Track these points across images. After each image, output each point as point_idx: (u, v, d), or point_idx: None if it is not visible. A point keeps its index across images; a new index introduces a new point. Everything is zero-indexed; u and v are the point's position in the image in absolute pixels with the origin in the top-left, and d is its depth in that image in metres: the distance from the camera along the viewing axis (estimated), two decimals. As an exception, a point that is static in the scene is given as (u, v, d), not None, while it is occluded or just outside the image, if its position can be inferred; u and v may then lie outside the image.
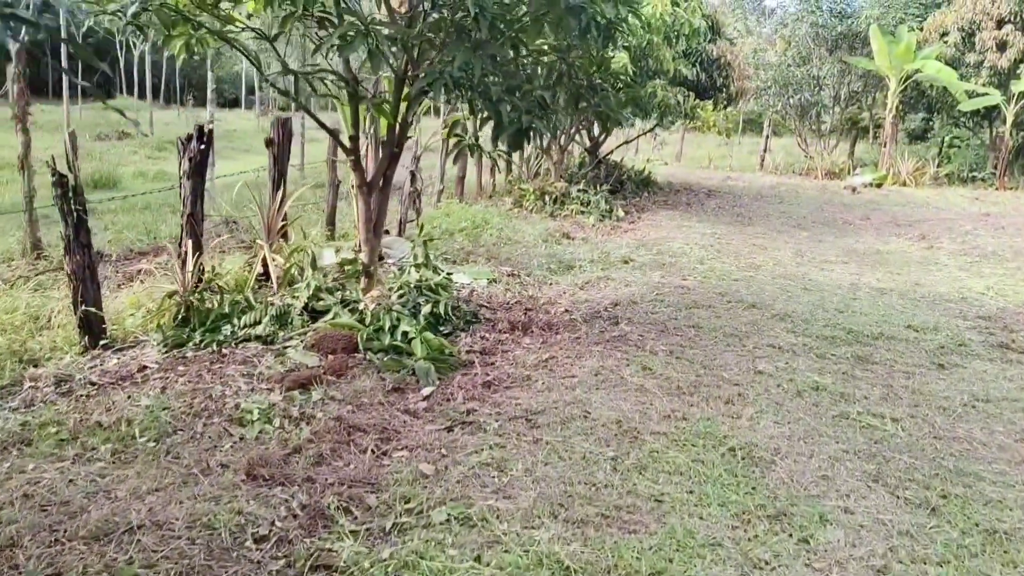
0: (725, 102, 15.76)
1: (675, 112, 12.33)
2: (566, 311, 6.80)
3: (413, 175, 8.52)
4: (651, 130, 15.81)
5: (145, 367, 5.21)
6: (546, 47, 5.77)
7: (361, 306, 5.74)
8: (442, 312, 5.91)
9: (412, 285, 6.21)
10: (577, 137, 16.43)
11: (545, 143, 13.28)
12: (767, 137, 24.42)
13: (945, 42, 20.93)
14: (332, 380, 4.88)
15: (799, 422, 4.52)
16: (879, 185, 19.85)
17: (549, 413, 4.48)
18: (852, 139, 24.53)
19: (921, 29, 21.37)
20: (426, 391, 4.83)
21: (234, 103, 40.92)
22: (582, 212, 12.52)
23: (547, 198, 12.75)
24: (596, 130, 16.41)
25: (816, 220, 13.43)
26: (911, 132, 32.00)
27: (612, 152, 16.56)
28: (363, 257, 6.05)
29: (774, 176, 21.88)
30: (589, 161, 16.13)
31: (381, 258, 7.87)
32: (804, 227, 12.59)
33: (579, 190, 12.98)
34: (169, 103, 37.91)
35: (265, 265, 6.85)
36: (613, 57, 10.52)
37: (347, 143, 5.91)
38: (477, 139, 5.66)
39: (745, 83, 15.73)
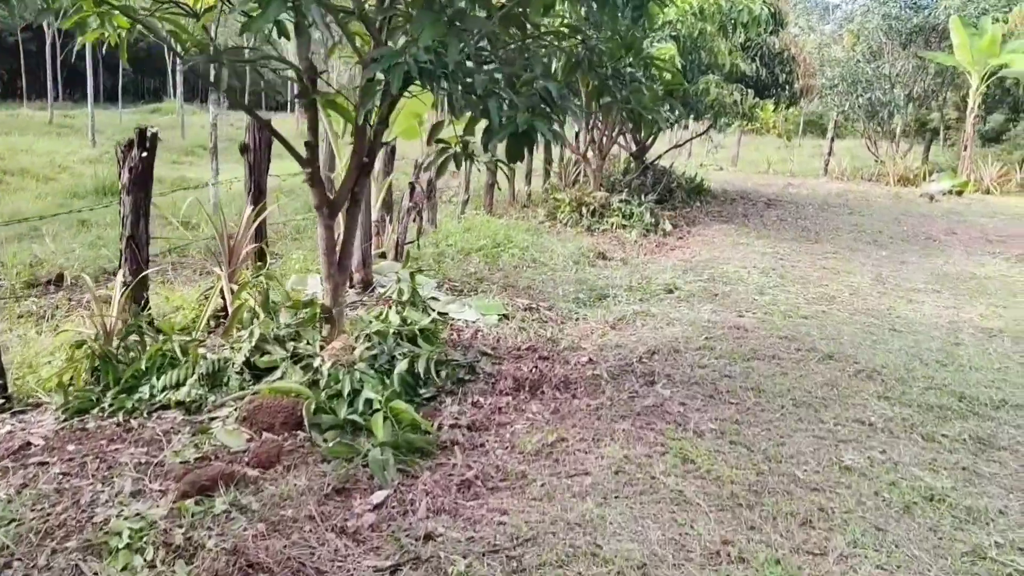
0: (788, 101, 14.14)
1: (731, 112, 10.81)
2: (590, 361, 5.40)
3: (413, 187, 7.19)
4: (704, 132, 14.26)
5: (29, 444, 4.01)
6: (562, 27, 4.39)
7: (317, 362, 4.44)
8: (422, 370, 4.56)
9: (391, 331, 4.89)
10: (622, 140, 15.00)
11: (581, 145, 11.87)
12: (831, 139, 22.56)
13: (1035, 34, 18.87)
14: (255, 476, 3.58)
15: (914, 565, 3.06)
16: (960, 193, 17.92)
17: (542, 544, 3.10)
18: (926, 142, 22.51)
19: (1006, 21, 19.33)
20: (378, 496, 3.49)
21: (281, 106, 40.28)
22: (624, 226, 11.07)
23: (584, 210, 11.33)
24: (643, 132, 14.93)
25: (894, 235, 11.74)
26: (984, 134, 29.62)
27: (660, 157, 15.05)
28: (323, 297, 4.75)
29: (840, 182, 20.04)
30: (635, 167, 14.65)
31: (371, 288, 6.58)
32: (881, 244, 10.92)
33: (621, 200, 11.53)
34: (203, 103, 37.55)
35: (226, 300, 5.62)
36: (654, 45, 9.08)
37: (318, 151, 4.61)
38: (466, 146, 4.31)
39: (811, 80, 14.09)
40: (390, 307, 5.23)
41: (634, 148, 14.60)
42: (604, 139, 12.18)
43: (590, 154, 12.28)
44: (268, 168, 6.36)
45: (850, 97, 19.88)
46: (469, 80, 3.62)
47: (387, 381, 4.43)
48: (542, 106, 3.82)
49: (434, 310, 5.38)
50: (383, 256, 7.08)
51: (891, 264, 9.44)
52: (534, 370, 5.13)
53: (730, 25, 10.56)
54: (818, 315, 6.79)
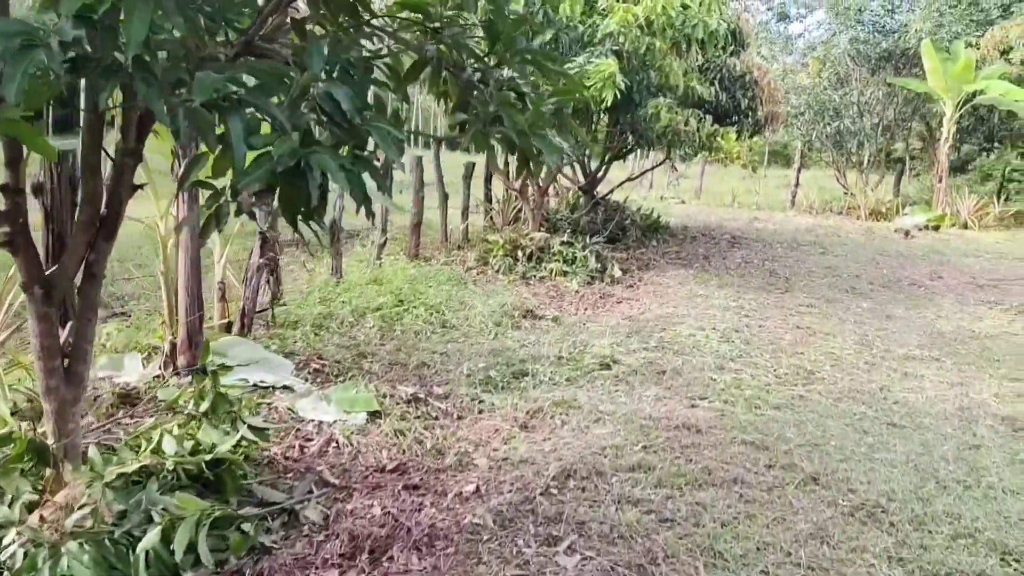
0: (751, 129, 12.79)
1: (687, 141, 9.36)
2: (476, 492, 3.78)
3: (264, 239, 5.55)
4: (659, 164, 12.81)
5: None
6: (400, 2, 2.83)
7: (9, 536, 2.77)
8: (181, 545, 2.89)
9: (164, 468, 3.23)
10: (569, 171, 13.53)
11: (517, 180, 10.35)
12: (798, 170, 21.34)
13: (1008, 60, 17.84)
14: None
15: None
16: (936, 228, 16.69)
17: None
18: (897, 173, 21.39)
19: (978, 46, 18.29)
20: None
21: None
22: (565, 272, 9.51)
23: (520, 254, 9.76)
24: (593, 163, 13.48)
25: (873, 280, 10.31)
26: (951, 163, 28.71)
27: (613, 191, 13.59)
28: (45, 426, 3.07)
29: (809, 216, 18.75)
30: (584, 202, 13.16)
31: (201, 374, 4.91)
32: (861, 292, 9.47)
33: (563, 242, 9.98)
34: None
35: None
36: (592, 61, 7.62)
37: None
38: (236, 193, 2.70)
39: (776, 107, 12.77)
40: (192, 420, 3.57)
41: (582, 180, 13.12)
42: (543, 171, 10.65)
43: (528, 188, 10.75)
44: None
45: (817, 126, 18.65)
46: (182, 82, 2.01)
47: (127, 560, 2.78)
48: (333, 128, 2.23)
49: (246, 421, 3.71)
50: (228, 328, 5.41)
51: (875, 320, 7.97)
52: (388, 515, 3.50)
53: (684, 42, 9.13)
54: (794, 403, 5.23)
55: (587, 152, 13.59)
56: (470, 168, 11.69)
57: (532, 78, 2.92)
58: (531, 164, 2.92)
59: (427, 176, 10.68)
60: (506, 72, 2.85)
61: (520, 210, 11.97)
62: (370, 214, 2.44)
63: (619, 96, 7.90)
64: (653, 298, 8.57)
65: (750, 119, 12.75)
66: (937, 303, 9.13)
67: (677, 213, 17.67)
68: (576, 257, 9.71)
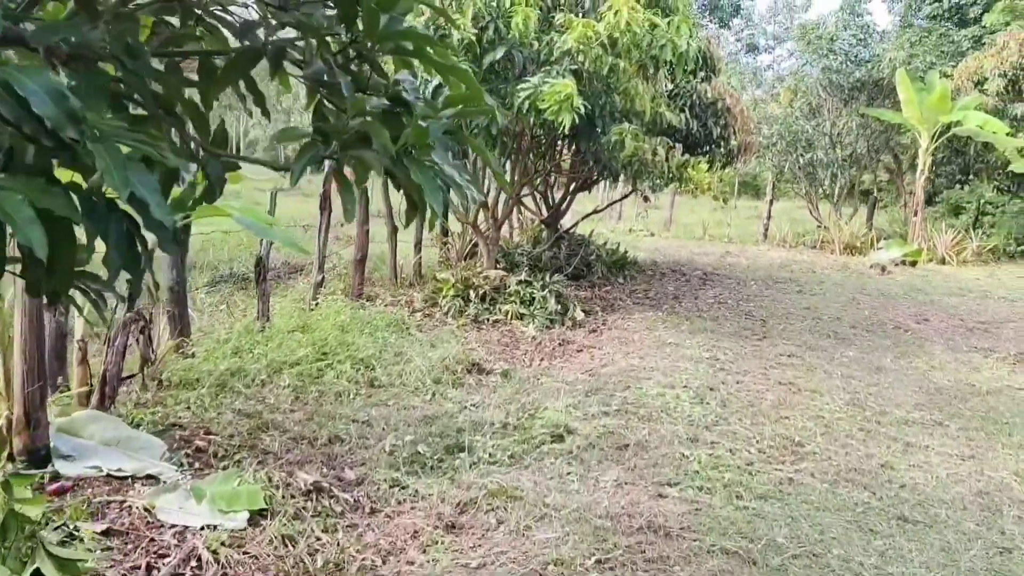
0: (724, 160, 12.06)
1: (655, 172, 8.53)
2: (371, 641, 2.81)
3: (131, 297, 4.59)
4: (625, 197, 12.01)
5: None
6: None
7: None
8: None
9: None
10: (531, 202, 12.72)
11: (470, 211, 9.47)
12: (770, 202, 20.74)
13: (984, 91, 17.41)
14: None
15: None
16: (913, 263, 16.06)
17: None
18: (869, 206, 20.85)
19: (951, 76, 17.87)
20: None
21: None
22: (521, 315, 8.61)
23: (473, 294, 8.84)
24: (556, 194, 12.66)
25: (856, 324, 9.51)
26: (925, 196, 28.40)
27: (577, 224, 12.76)
28: None
29: (782, 250, 18.08)
30: (547, 236, 12.30)
31: (46, 462, 3.89)
32: (844, 338, 8.66)
33: (520, 281, 9.08)
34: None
35: None
36: (547, 82, 6.78)
37: None
38: None
39: (749, 137, 12.06)
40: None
41: (545, 213, 12.28)
42: (500, 203, 9.79)
43: (481, 221, 9.85)
44: None
45: (789, 157, 18.05)
46: None
47: None
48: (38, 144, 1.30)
49: (48, 551, 2.71)
50: (88, 398, 4.38)
51: (864, 372, 7.12)
52: None
53: (651, 64, 8.33)
54: (783, 490, 4.32)
55: (552, 181, 12.80)
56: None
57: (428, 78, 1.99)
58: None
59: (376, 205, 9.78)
60: (395, 71, 1.93)
61: (477, 244, 11.07)
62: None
63: (579, 121, 7.05)
64: (618, 346, 7.66)
65: (722, 149, 12.03)
66: (927, 350, 8.33)
67: (646, 247, 16.89)
68: (535, 298, 8.80)
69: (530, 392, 6.02)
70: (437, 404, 5.60)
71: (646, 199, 14.38)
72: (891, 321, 9.77)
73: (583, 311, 9.13)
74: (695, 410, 5.61)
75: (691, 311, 9.61)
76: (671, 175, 8.70)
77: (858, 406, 6.00)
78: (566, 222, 12.80)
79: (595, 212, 12.77)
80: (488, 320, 8.48)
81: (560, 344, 7.83)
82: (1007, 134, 15.95)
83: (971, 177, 19.92)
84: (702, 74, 11.29)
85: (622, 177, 8.92)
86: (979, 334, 9.38)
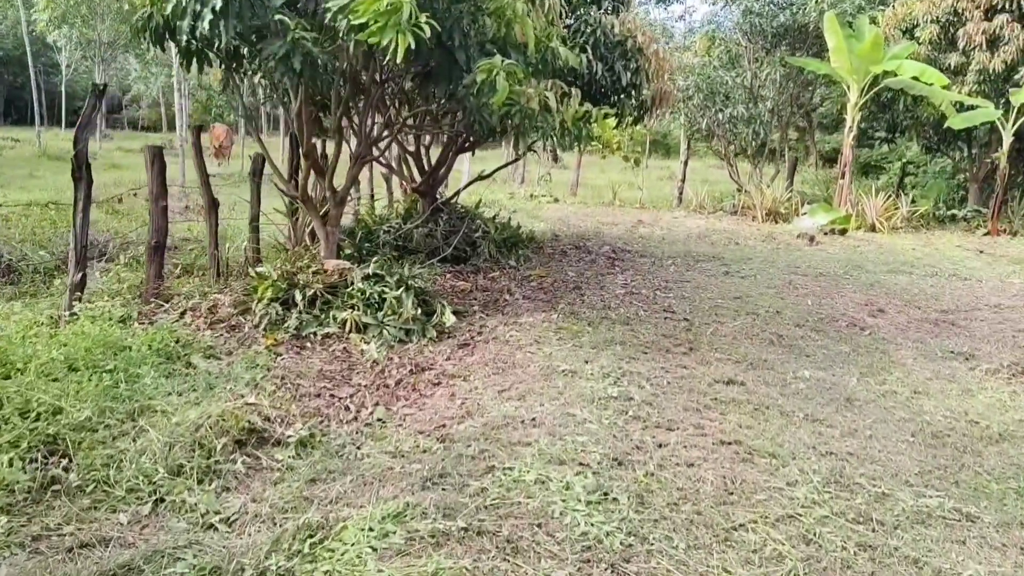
0: (636, 112, 9.89)
1: (544, 127, 6.22)
2: None
3: None
4: (514, 160, 9.68)
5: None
6: None
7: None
8: None
9: None
10: (406, 166, 10.34)
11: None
12: (684, 163, 18.83)
13: (915, 39, 15.79)
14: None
15: None
16: (843, 231, 14.40)
17: None
18: (789, 166, 19.20)
19: (876, 22, 16.16)
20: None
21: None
22: (366, 325, 6.25)
23: (300, 296, 6.42)
24: (430, 156, 10.30)
25: (802, 320, 7.54)
26: (825, 154, 27.25)
27: (459, 194, 10.43)
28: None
29: (699, 217, 16.19)
30: (422, 208, 9.92)
31: None
32: (792, 344, 6.65)
33: (369, 276, 6.70)
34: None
35: None
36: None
37: None
38: None
39: (666, 85, 9.91)
40: None
41: (417, 179, 9.88)
42: (336, 159, 7.32)
43: (318, 191, 7.39)
44: None
45: (708, 111, 16.06)
46: None
47: None
48: None
49: None
50: None
51: (832, 409, 5.09)
52: None
53: (538, -21, 6.00)
54: None
55: (426, 141, 10.42)
56: (259, 161, 8.17)
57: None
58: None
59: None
60: None
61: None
62: None
63: (427, 49, 4.67)
64: (492, 375, 5.40)
65: (634, 99, 9.85)
66: (897, 360, 6.40)
67: (549, 216, 14.71)
68: (386, 299, 6.44)
69: (334, 482, 3.71)
70: (152, 529, 3.23)
71: (555, 159, 11.96)
72: (841, 315, 7.83)
73: (455, 313, 6.84)
74: (594, 517, 3.40)
75: (596, 309, 7.42)
76: (567, 131, 6.43)
77: (843, 486, 3.92)
78: (450, 192, 10.45)
79: (480, 178, 10.42)
80: (315, 335, 6.09)
81: (412, 371, 5.53)
82: (943, 86, 14.34)
83: (897, 135, 18.47)
84: (608, 3, 9.04)
85: (498, 134, 6.60)
86: (947, 330, 7.55)
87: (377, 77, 6.51)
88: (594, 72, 8.68)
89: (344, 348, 5.95)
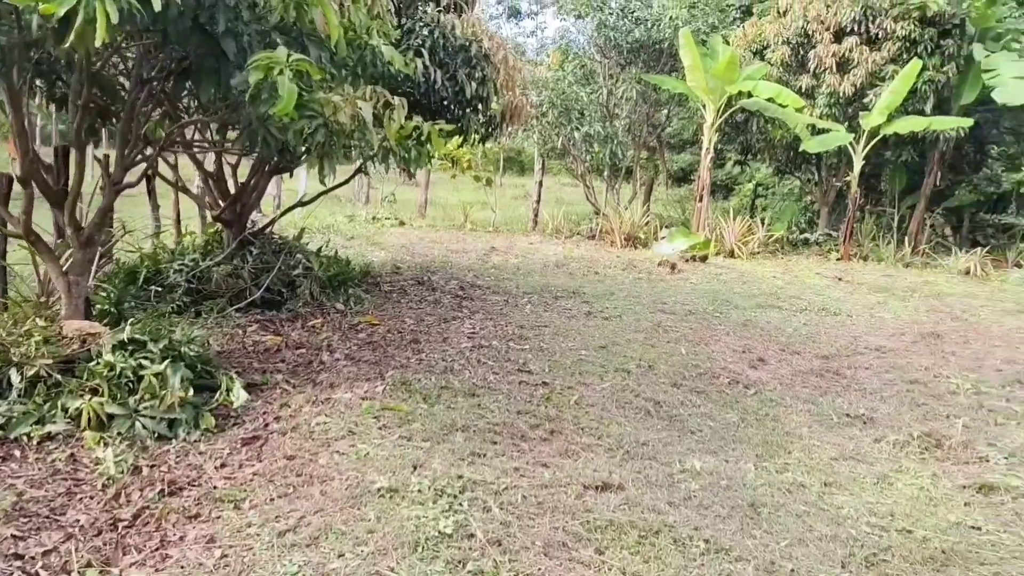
0: (484, 129, 8.59)
1: (359, 144, 4.71)
2: None
3: None
4: (346, 182, 8.09)
5: None
6: None
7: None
8: None
9: None
10: (208, 188, 8.59)
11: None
12: (539, 184, 17.78)
13: (768, 60, 15.47)
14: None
15: None
16: (704, 258, 13.70)
17: None
18: (647, 188, 18.57)
19: (728, 42, 15.77)
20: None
21: None
22: (110, 418, 4.49)
23: (16, 376, 4.57)
24: (233, 175, 8.58)
25: (679, 377, 6.40)
26: (673, 173, 27.28)
27: (274, 221, 8.75)
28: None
29: (555, 242, 15.12)
30: (226, 239, 8.15)
31: None
32: (673, 415, 5.45)
33: (123, 343, 4.93)
34: None
35: None
36: None
37: None
38: None
39: (518, 98, 8.67)
40: None
41: (220, 205, 8.10)
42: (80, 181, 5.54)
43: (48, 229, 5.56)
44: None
45: (564, 129, 15.04)
46: None
47: None
48: None
49: None
50: None
51: (739, 532, 3.87)
52: None
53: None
54: None
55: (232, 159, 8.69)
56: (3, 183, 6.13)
57: None
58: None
59: None
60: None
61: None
62: None
63: (175, 33, 3.06)
64: (277, 499, 3.83)
65: (481, 114, 8.53)
66: (795, 433, 5.35)
67: (392, 242, 13.15)
68: (142, 376, 4.71)
69: None
70: None
71: (409, 175, 10.44)
72: (721, 369, 6.77)
73: (249, 386, 5.21)
74: None
75: (436, 373, 5.96)
76: (391, 152, 4.97)
77: None
78: (268, 220, 8.72)
79: (300, 204, 8.75)
80: (30, 437, 4.29)
81: (163, 493, 3.86)
82: (798, 109, 13.99)
83: (750, 156, 18.23)
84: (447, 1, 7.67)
85: (290, 151, 5.02)
86: (834, 383, 6.64)
87: (145, 73, 4.78)
88: (432, 81, 7.27)
89: (72, 455, 4.19)
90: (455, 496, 3.82)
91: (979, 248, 14.61)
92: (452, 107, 8.17)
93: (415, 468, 4.12)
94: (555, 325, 7.89)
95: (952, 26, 14.22)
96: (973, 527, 4.07)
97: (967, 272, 13.73)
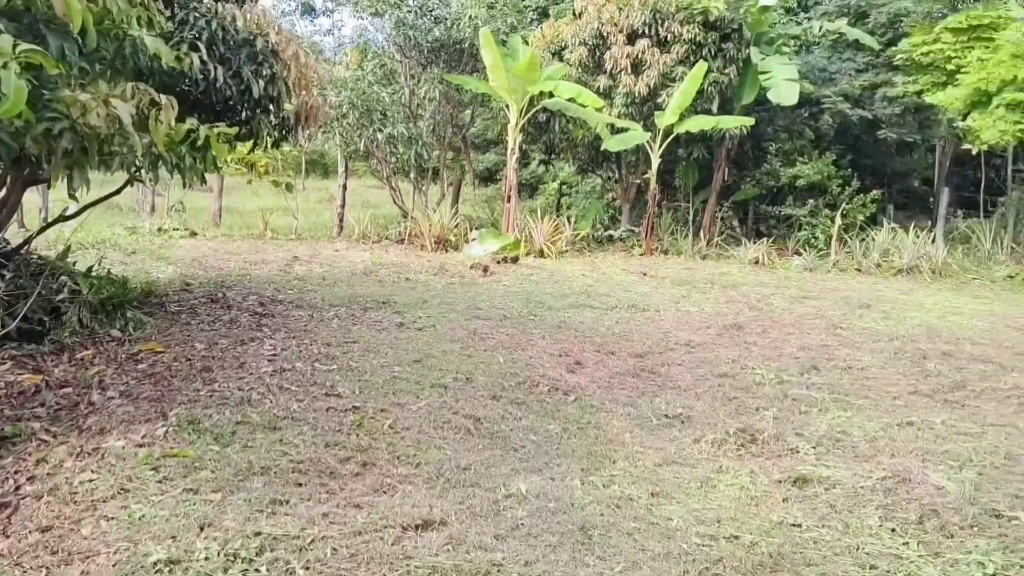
0: (276, 132, 7.92)
1: (119, 150, 4.00)
2: None
3: None
4: (114, 193, 7.10)
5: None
6: None
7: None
8: None
9: None
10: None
11: None
12: (343, 188, 17.05)
13: (566, 60, 15.74)
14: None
15: None
16: (515, 259, 13.67)
17: None
18: (455, 189, 18.37)
19: (527, 43, 15.90)
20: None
21: None
22: None
23: None
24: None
25: (498, 388, 6.13)
26: (479, 173, 27.52)
27: (33, 238, 7.60)
28: None
29: (364, 248, 14.52)
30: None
31: None
32: (494, 432, 5.15)
33: None
34: None
35: None
36: None
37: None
38: None
39: (312, 97, 8.06)
40: None
41: (-42, 226, 6.89)
42: None
43: None
44: None
45: (366, 131, 14.46)
46: None
47: None
48: None
49: None
50: None
51: (571, 562, 3.62)
52: None
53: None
54: None
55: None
56: None
57: None
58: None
59: None
60: None
61: None
62: None
63: None
64: (25, 587, 3.12)
65: (273, 115, 7.86)
66: (618, 440, 5.24)
67: (181, 256, 12.01)
68: None
69: None
70: None
71: (202, 180, 9.36)
72: (540, 376, 6.58)
73: (-6, 444, 4.32)
74: None
75: (231, 405, 5.29)
76: (160, 159, 4.30)
77: None
78: (28, 237, 7.52)
79: (62, 219, 7.66)
80: None
81: None
82: (598, 108, 14.31)
83: (553, 156, 18.52)
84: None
85: (47, 160, 4.24)
86: (650, 383, 6.67)
87: None
88: (213, 78, 6.53)
89: None
90: (251, 560, 3.28)
91: (765, 239, 15.67)
92: (239, 108, 7.44)
93: (202, 529, 3.52)
94: (365, 340, 7.39)
95: (732, 30, 15.13)
96: (794, 525, 4.08)
97: (756, 262, 14.67)
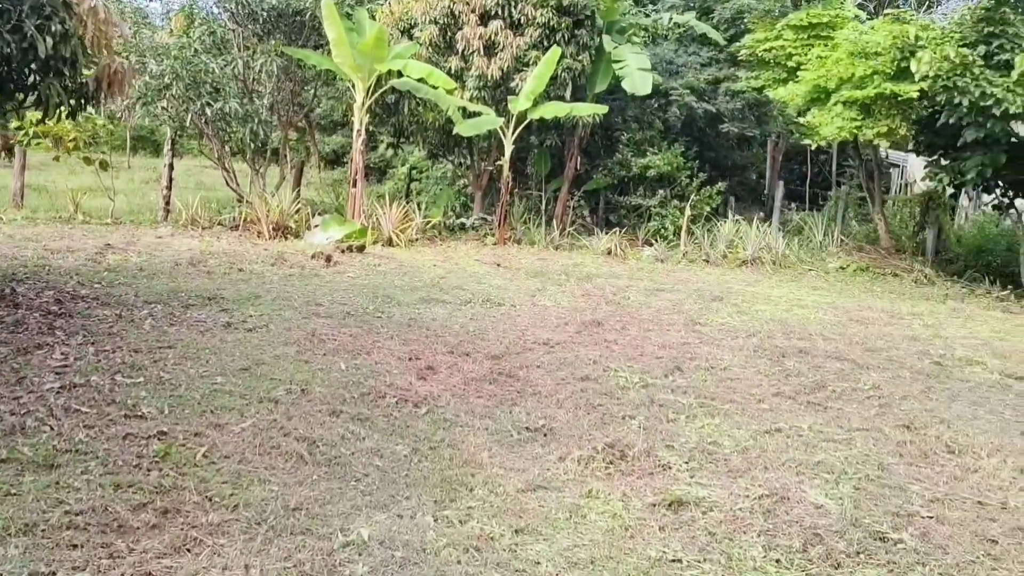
0: (75, 100, 6.70)
1: None
2: None
3: None
4: None
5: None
6: None
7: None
8: None
9: None
10: None
11: None
12: (170, 167, 15.44)
13: (416, 39, 14.94)
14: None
15: None
16: (361, 248, 12.78)
17: None
18: (296, 172, 17.15)
19: (374, 18, 14.99)
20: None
21: None
22: None
23: None
24: None
25: (340, 404, 5.36)
26: (325, 155, 26.34)
27: None
28: None
29: (192, 235, 13.12)
30: None
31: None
32: (332, 457, 4.41)
33: None
34: None
35: None
36: None
37: None
38: None
39: (117, 61, 6.88)
40: None
41: None
42: None
43: None
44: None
45: (192, 105, 13.06)
46: None
47: None
48: None
49: None
50: None
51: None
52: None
53: None
54: None
55: None
56: None
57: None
58: None
59: None
60: None
61: None
62: None
63: None
64: None
65: (68, 80, 6.65)
66: (474, 461, 4.64)
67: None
68: None
69: None
70: None
71: (9, 152, 7.82)
72: (387, 385, 5.86)
73: None
74: None
75: (5, 434, 4.25)
76: None
77: None
78: None
79: None
80: None
81: None
82: (449, 91, 13.64)
83: (402, 139, 17.68)
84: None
85: None
86: (508, 389, 6.13)
87: None
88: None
89: None
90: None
91: (616, 229, 15.58)
92: (24, 71, 6.21)
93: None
94: (183, 345, 6.38)
95: (584, 17, 14.84)
96: (674, 560, 3.63)
97: (608, 252, 14.52)
